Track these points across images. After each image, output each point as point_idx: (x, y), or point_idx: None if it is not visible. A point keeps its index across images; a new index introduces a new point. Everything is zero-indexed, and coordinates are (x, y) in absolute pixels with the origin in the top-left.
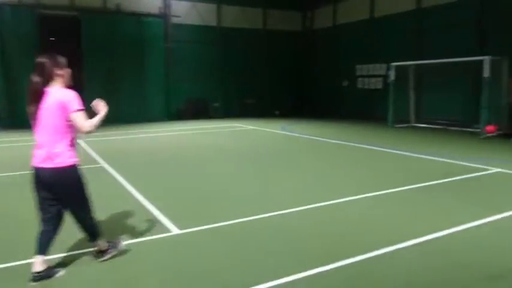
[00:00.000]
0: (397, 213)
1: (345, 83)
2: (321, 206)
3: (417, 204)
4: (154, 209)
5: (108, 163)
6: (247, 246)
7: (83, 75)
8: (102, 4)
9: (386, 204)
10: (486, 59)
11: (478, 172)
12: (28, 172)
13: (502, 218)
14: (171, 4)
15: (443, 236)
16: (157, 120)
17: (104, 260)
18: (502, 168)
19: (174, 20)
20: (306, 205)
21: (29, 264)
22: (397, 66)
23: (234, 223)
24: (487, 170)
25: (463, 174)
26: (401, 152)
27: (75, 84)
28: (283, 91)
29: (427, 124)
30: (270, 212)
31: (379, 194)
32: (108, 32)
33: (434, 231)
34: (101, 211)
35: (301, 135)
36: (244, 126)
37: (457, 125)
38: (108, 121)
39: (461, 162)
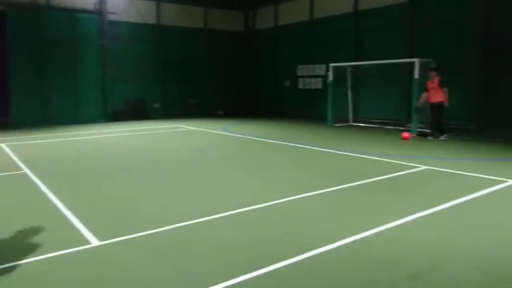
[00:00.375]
0: (327, 213)
1: (287, 83)
2: (251, 209)
3: (348, 204)
4: (75, 219)
5: (32, 169)
6: (173, 256)
7: (8, 74)
8: None
9: (317, 205)
10: (416, 61)
11: (408, 170)
12: None
13: (426, 215)
14: (107, 0)
15: (371, 235)
16: (93, 122)
17: None
18: (430, 165)
19: (110, 17)
20: (237, 209)
21: None
22: (335, 67)
23: (162, 231)
24: (416, 167)
25: (393, 172)
26: (337, 151)
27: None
28: (227, 91)
29: (365, 123)
30: (199, 218)
31: (312, 195)
32: (38, 28)
33: (364, 231)
34: (16, 222)
35: (241, 136)
36: (185, 127)
37: (392, 124)
38: (39, 123)
39: (393, 161)
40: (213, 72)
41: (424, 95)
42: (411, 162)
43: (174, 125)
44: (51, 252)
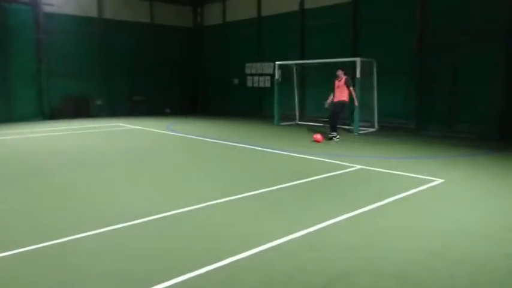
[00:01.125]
0: (246, 219)
1: (236, 81)
2: (162, 216)
3: (271, 208)
4: None
5: None
6: (66, 270)
7: None
8: None
9: (238, 210)
10: (357, 60)
11: (343, 170)
12: None
13: (349, 217)
14: None
15: (288, 241)
16: (27, 120)
17: None
18: (365, 165)
19: (47, 9)
20: (146, 217)
21: None
22: (283, 65)
23: (57, 243)
24: (351, 167)
25: (328, 172)
26: (277, 151)
27: None
28: (175, 88)
29: (311, 122)
30: (102, 228)
31: (234, 199)
32: None
33: (281, 237)
34: None
35: (183, 135)
36: (128, 125)
37: None
38: None
39: (330, 160)
40: (160, 69)
41: (331, 96)
42: (348, 162)
43: (116, 124)
44: None
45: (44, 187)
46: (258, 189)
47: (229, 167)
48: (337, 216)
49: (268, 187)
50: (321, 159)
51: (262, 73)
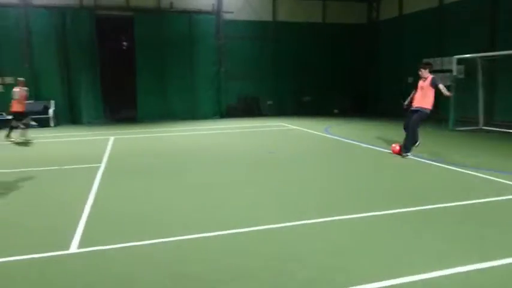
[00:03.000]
0: (340, 248)
1: (410, 80)
2: (248, 231)
3: (380, 237)
4: (84, 221)
5: (108, 163)
6: (127, 278)
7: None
8: (156, 4)
9: (337, 235)
10: None
11: (508, 195)
12: None
13: (477, 270)
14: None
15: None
16: (208, 118)
17: None
18: None
19: (227, 16)
20: (231, 229)
21: None
22: (466, 60)
23: (151, 243)
24: None
25: (484, 197)
26: (434, 163)
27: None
28: (345, 88)
29: (498, 128)
30: (183, 235)
31: (342, 219)
32: (160, 31)
33: (371, 281)
34: (30, 216)
35: (337, 138)
36: (289, 125)
37: None
38: (160, 118)
39: (498, 179)
40: (329, 68)
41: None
42: None
43: (279, 123)
44: (21, 254)
45: (179, 184)
46: (378, 211)
47: (365, 178)
48: (462, 263)
49: (394, 209)
50: (489, 177)
51: (442, 69)
